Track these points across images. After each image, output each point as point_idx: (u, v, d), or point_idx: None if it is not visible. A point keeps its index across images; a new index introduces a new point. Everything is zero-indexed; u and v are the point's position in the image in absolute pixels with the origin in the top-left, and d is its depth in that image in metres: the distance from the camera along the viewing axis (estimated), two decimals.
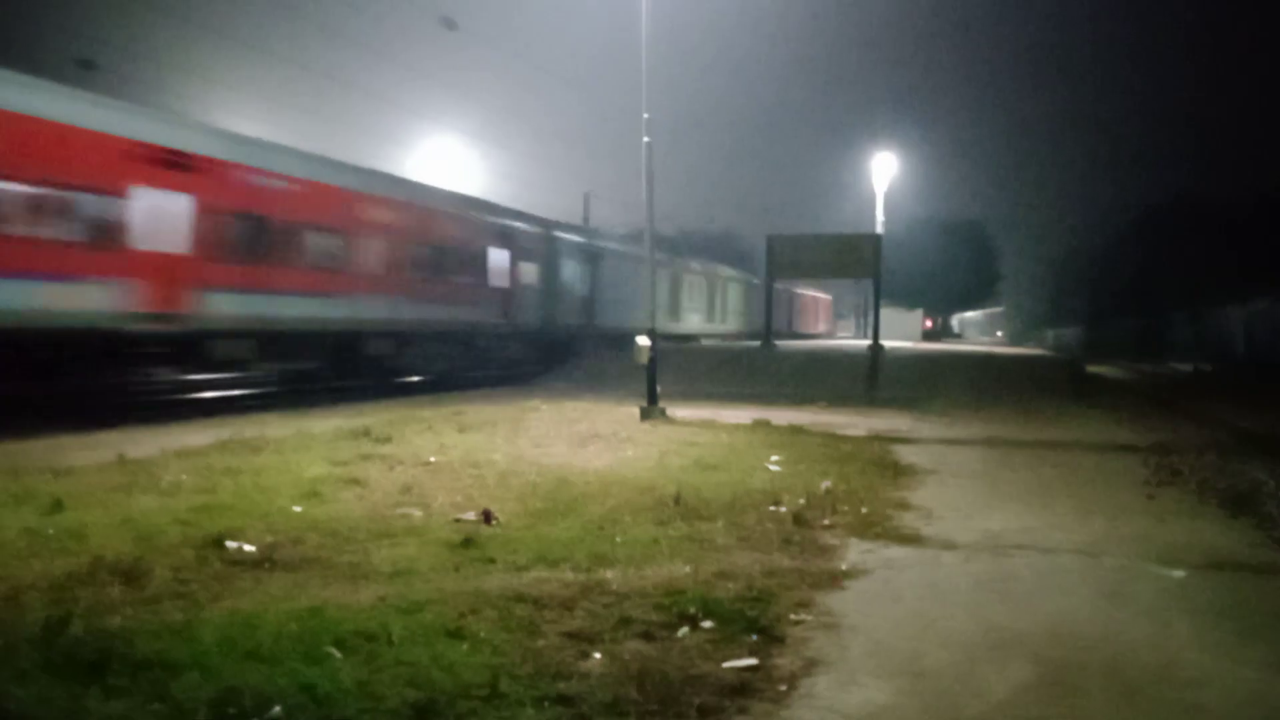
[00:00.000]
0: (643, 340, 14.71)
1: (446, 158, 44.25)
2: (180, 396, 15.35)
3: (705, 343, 34.22)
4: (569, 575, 5.10)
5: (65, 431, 10.63)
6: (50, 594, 4.47)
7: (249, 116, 37.59)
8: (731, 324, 43.04)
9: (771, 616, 4.52)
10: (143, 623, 4.08)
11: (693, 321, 38.03)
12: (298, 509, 6.51)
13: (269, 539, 5.63)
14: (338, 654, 3.74)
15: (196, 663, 3.57)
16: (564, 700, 3.46)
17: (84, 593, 4.50)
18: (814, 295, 61.31)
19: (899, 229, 50.72)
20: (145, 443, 9.62)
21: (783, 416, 13.48)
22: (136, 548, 5.30)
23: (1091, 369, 30.15)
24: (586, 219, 42.97)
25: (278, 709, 3.22)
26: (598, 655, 3.95)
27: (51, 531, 5.63)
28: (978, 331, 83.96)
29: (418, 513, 6.57)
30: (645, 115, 14.60)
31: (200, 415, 13.42)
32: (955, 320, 69.25)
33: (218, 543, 5.45)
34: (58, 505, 6.27)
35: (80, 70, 25.34)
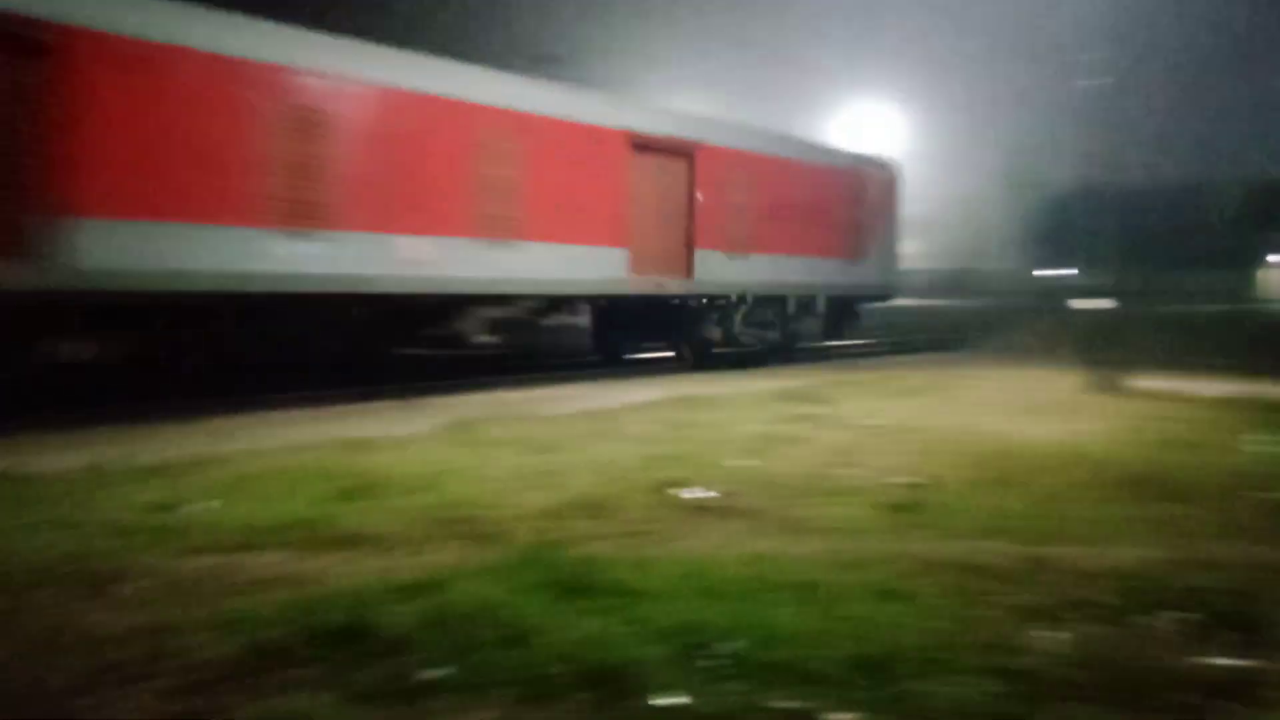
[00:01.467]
0: (1083, 303, 13.47)
1: (870, 120, 44.56)
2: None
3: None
4: (1011, 548, 4.83)
5: (536, 384, 12.22)
6: (534, 524, 5.14)
7: (695, 96, 40.29)
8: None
9: (1261, 616, 3.95)
10: (609, 555, 4.54)
11: None
12: (739, 462, 6.87)
13: (715, 488, 6.01)
14: (784, 601, 3.89)
15: (659, 594, 3.91)
16: (1014, 675, 3.30)
17: (559, 525, 5.12)
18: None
19: None
20: (604, 398, 10.72)
21: (1270, 391, 11.61)
22: (602, 489, 5.92)
23: None
24: None
25: (741, 642, 3.43)
26: (1049, 634, 3.71)
27: (534, 471, 6.47)
28: None
29: (852, 473, 6.62)
30: (1087, 57, 13.26)
31: (640, 374, 14.68)
32: None
33: (669, 488, 5.92)
34: (544, 448, 7.19)
35: (549, 65, 28.66)
